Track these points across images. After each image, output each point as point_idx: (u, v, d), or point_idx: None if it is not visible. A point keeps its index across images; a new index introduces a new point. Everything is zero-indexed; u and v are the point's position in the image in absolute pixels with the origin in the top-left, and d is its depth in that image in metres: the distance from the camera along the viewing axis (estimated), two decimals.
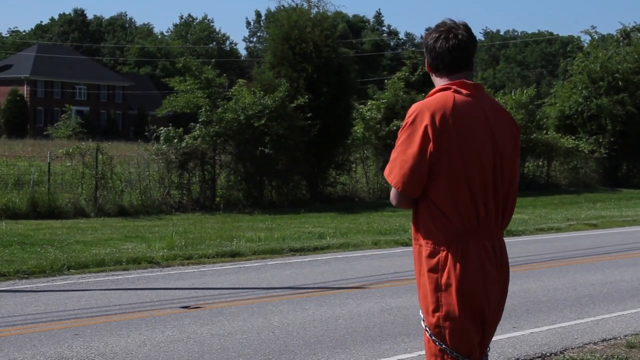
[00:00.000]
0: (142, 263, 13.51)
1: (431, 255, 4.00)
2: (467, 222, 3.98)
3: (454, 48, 4.07)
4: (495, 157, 4.04)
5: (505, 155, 4.08)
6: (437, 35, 4.11)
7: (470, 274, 3.97)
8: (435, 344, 4.01)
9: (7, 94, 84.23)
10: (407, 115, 4.03)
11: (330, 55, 27.67)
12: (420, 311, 4.11)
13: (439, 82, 4.16)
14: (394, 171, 4.01)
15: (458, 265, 3.96)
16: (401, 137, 4.02)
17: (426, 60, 4.21)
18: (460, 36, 4.08)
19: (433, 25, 4.24)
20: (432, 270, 3.99)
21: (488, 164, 4.02)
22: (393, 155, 4.04)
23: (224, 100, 25.93)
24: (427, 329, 4.04)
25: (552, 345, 8.06)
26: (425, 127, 3.94)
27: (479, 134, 4.02)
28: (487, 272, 4.01)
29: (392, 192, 4.08)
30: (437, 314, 3.98)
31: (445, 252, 3.97)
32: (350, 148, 29.28)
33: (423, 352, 7.66)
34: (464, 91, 4.06)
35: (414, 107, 4.02)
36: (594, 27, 41.96)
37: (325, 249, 15.66)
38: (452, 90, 4.05)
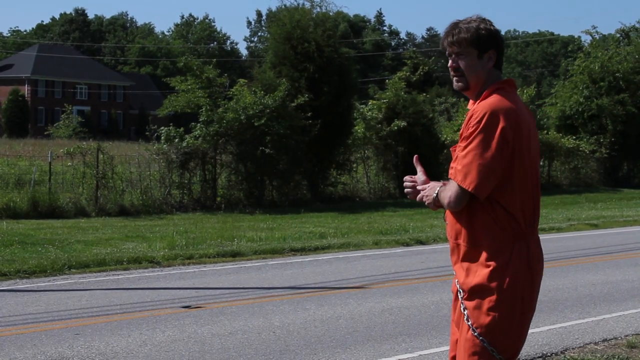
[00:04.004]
0: (142, 263, 13.51)
1: (495, 257, 3.95)
2: (528, 220, 4.00)
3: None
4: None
5: (538, 152, 4.14)
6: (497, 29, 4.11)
7: (534, 272, 4.01)
8: (484, 344, 3.97)
9: (8, 94, 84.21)
10: (477, 117, 3.91)
11: (332, 55, 27.68)
12: (466, 311, 4.03)
13: (492, 76, 4.07)
14: (471, 175, 3.89)
15: (523, 264, 3.97)
16: (474, 140, 3.90)
17: (494, 56, 4.07)
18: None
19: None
20: (495, 271, 3.94)
21: (538, 161, 4.09)
22: (467, 159, 3.90)
23: (225, 100, 25.93)
24: (475, 329, 3.98)
25: (553, 345, 8.06)
26: (503, 129, 3.88)
27: (532, 132, 4.04)
28: (540, 268, 4.07)
29: (456, 195, 3.95)
30: (496, 314, 3.94)
31: (509, 253, 3.95)
32: (351, 148, 29.27)
33: (424, 352, 7.68)
34: (513, 90, 4.07)
35: (485, 109, 3.91)
36: (594, 27, 42.04)
37: (326, 248, 15.66)
38: (506, 90, 4.03)
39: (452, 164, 4.05)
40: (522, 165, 3.96)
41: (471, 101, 4.21)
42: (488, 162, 3.87)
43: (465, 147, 3.92)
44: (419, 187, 4.23)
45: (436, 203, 4.13)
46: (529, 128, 4.01)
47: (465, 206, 3.99)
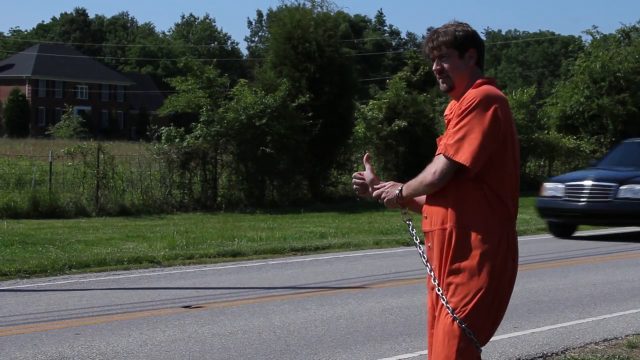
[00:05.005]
0: (143, 262, 13.50)
1: (485, 239, 4.06)
2: (514, 211, 4.15)
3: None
4: None
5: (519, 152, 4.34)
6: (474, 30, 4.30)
7: (515, 263, 4.16)
8: (466, 333, 4.03)
9: (8, 94, 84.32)
10: (469, 98, 4.09)
11: (333, 55, 27.66)
12: (446, 301, 4.08)
13: (476, 74, 4.25)
14: (463, 149, 4.03)
15: (509, 252, 4.11)
16: (466, 117, 4.07)
17: (475, 54, 4.26)
18: None
19: (434, 25, 4.32)
20: (485, 254, 4.05)
21: (519, 160, 4.26)
22: (459, 134, 4.06)
23: (226, 99, 25.91)
24: (457, 317, 4.03)
25: (553, 345, 8.05)
26: (495, 109, 4.07)
27: (515, 130, 4.23)
28: (517, 262, 4.21)
29: (442, 169, 4.08)
30: (479, 299, 4.03)
31: (498, 237, 4.07)
32: (352, 148, 29.26)
33: (424, 352, 7.67)
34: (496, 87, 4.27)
35: (477, 93, 4.10)
36: (595, 27, 41.87)
37: (326, 248, 15.66)
38: (493, 84, 4.23)
39: (441, 142, 4.19)
40: (513, 154, 4.14)
41: (448, 106, 4.38)
42: (481, 137, 4.02)
43: (457, 123, 4.09)
44: (375, 186, 4.38)
45: (399, 199, 4.27)
46: (512, 120, 4.20)
47: (454, 187, 4.09)
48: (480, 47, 4.27)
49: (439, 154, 4.15)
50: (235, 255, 14.57)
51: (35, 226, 18.50)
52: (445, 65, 4.22)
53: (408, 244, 16.50)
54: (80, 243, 15.66)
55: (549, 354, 7.71)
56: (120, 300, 10.32)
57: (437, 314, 4.16)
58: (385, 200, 4.32)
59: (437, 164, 4.12)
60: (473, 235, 4.07)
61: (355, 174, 4.46)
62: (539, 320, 9.09)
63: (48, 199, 21.39)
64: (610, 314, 9.58)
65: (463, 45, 4.21)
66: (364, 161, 4.47)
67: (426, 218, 4.25)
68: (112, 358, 7.49)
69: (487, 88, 4.14)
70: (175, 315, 9.40)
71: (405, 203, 4.33)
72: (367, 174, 4.43)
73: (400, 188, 4.29)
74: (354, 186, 4.47)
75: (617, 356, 7.53)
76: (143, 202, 23.05)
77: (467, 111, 4.07)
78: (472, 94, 4.10)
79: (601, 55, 38.21)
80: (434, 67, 4.28)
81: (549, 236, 18.04)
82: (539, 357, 7.65)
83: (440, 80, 4.27)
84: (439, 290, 4.13)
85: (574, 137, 36.39)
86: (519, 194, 4.24)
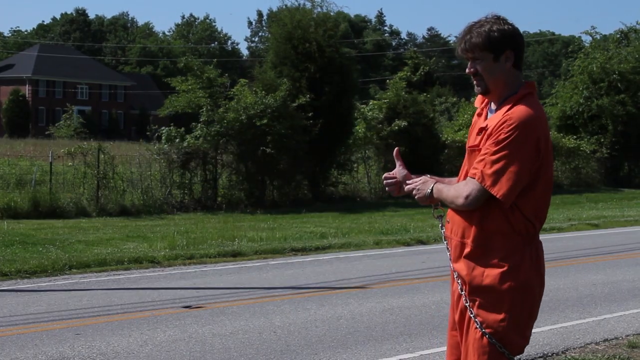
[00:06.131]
0: (143, 263, 13.51)
1: (506, 258, 3.94)
2: (540, 225, 4.02)
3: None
4: None
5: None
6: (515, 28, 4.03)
7: (542, 274, 4.05)
8: (497, 347, 3.97)
9: (9, 94, 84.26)
10: (512, 125, 3.85)
11: (333, 55, 27.68)
12: (474, 315, 4.00)
13: (512, 77, 4.01)
14: (501, 182, 3.85)
15: (534, 266, 3.99)
16: (508, 147, 3.85)
17: (512, 56, 3.99)
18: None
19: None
20: (506, 273, 3.93)
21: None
22: (498, 166, 3.86)
23: (226, 100, 25.94)
24: (484, 329, 3.97)
25: (554, 345, 8.06)
26: (538, 139, 3.88)
27: (550, 139, 4.06)
28: (544, 270, 4.09)
29: (476, 196, 3.91)
30: (507, 314, 3.95)
31: (520, 255, 3.95)
32: (352, 148, 29.27)
33: (424, 352, 7.68)
34: (536, 94, 4.05)
35: (519, 120, 3.86)
36: (594, 28, 41.88)
37: (326, 248, 15.66)
38: (533, 95, 4.01)
39: (476, 164, 3.95)
40: (547, 175, 3.97)
41: (479, 97, 4.18)
42: (519, 171, 3.84)
43: (497, 152, 3.87)
44: (408, 181, 4.18)
45: (430, 199, 4.09)
46: (550, 136, 4.03)
47: (479, 208, 3.95)
48: (517, 47, 3.98)
49: (473, 178, 3.94)
50: (236, 255, 14.58)
51: (35, 226, 18.51)
52: (479, 69, 3.98)
53: (408, 244, 16.52)
54: (80, 243, 15.66)
55: (550, 354, 7.72)
56: (120, 301, 10.33)
57: (465, 326, 4.07)
58: (416, 197, 4.15)
59: (472, 189, 3.92)
60: (494, 255, 3.95)
61: (385, 174, 4.25)
62: (539, 320, 9.02)
63: (48, 199, 21.39)
64: (610, 314, 9.58)
65: (498, 48, 3.94)
66: (395, 157, 4.25)
67: (448, 222, 4.13)
68: (113, 358, 7.49)
69: (529, 111, 3.88)
70: (175, 315, 9.40)
71: (436, 200, 4.12)
72: (399, 170, 4.22)
73: (431, 188, 4.07)
74: (387, 188, 4.26)
75: (617, 356, 7.53)
76: (143, 202, 23.06)
77: (508, 141, 3.84)
78: (514, 120, 3.85)
79: (599, 56, 38.24)
80: (467, 70, 4.05)
81: (549, 236, 17.95)
82: (540, 357, 7.65)
83: (475, 83, 4.03)
84: (466, 302, 4.02)
85: (574, 137, 36.44)
86: (548, 210, 4.09)
